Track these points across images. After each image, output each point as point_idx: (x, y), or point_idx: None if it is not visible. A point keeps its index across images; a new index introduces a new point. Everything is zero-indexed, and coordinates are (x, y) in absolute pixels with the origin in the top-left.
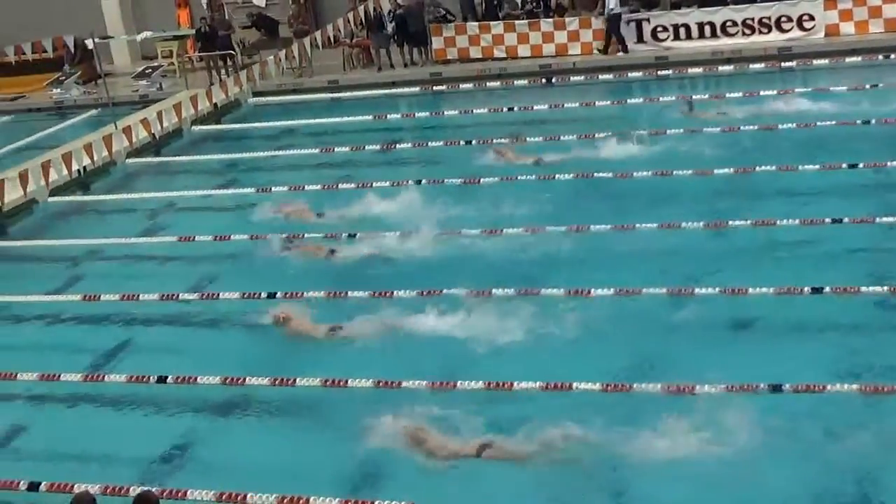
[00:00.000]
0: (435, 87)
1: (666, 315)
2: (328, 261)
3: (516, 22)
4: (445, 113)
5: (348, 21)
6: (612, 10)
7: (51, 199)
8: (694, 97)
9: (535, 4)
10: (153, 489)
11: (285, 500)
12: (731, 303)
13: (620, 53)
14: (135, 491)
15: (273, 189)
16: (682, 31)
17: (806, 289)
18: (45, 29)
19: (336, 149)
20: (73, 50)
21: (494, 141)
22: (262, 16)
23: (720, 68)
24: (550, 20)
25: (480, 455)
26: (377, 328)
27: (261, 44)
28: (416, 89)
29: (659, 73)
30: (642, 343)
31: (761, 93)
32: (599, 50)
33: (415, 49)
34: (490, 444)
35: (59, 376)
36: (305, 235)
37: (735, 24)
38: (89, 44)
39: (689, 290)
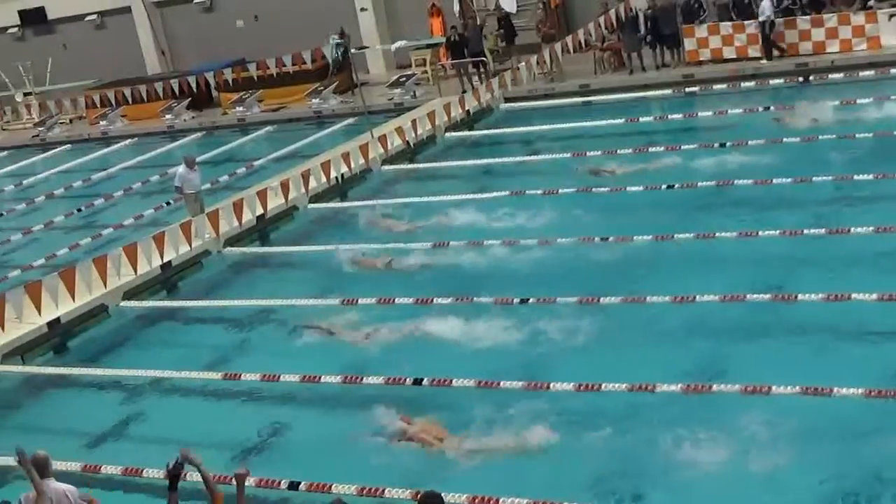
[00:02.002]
0: (687, 89)
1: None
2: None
3: None
4: (699, 115)
5: (598, 24)
6: (766, 16)
7: (310, 206)
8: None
9: (791, 1)
10: (407, 491)
11: None
12: None
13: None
14: (391, 493)
15: (526, 192)
16: None
17: None
18: (304, 41)
19: (588, 153)
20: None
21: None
22: (506, 20)
23: None
24: (807, 17)
25: None
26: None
27: (506, 50)
28: (668, 91)
29: None
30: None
31: None
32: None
33: (667, 51)
34: None
35: (320, 378)
36: (560, 240)
37: None
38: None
39: None
